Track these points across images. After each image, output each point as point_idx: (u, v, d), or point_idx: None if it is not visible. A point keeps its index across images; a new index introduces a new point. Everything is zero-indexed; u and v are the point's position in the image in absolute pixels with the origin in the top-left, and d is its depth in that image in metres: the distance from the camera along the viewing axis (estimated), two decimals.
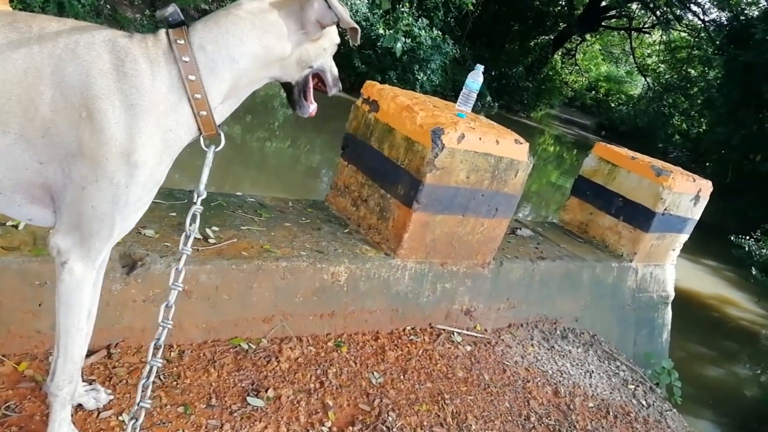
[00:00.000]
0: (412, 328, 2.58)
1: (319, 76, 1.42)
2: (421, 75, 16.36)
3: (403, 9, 15.46)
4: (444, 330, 2.66)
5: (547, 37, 25.41)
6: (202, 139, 1.27)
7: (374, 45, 15.02)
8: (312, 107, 1.44)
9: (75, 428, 1.43)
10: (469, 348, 2.62)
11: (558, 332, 3.13)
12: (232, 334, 2.06)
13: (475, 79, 2.73)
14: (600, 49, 32.61)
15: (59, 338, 1.30)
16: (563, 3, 24.94)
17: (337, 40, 1.41)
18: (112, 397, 1.62)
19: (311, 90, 1.42)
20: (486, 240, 2.72)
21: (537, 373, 2.63)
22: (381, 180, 2.58)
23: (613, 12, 25.00)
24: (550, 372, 2.69)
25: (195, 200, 1.33)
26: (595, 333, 3.31)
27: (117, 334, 1.82)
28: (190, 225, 1.35)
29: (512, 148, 2.57)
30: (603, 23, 26.02)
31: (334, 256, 2.31)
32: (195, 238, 1.97)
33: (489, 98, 20.70)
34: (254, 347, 2.06)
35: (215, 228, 2.18)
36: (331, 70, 1.45)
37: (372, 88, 2.71)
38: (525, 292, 3.03)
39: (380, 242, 2.53)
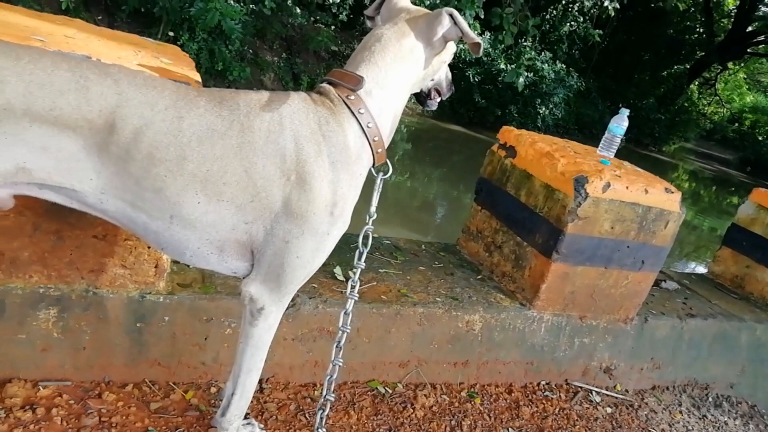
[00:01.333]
0: (547, 383, 2.46)
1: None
2: (543, 109, 15.98)
3: (525, 43, 15.29)
4: (581, 388, 2.51)
5: (681, 67, 23.73)
6: (373, 169, 1.41)
7: (495, 80, 14.99)
8: (437, 101, 1.58)
9: None
10: (609, 410, 2.44)
11: (710, 399, 2.81)
12: (370, 376, 2.11)
13: (620, 123, 2.61)
14: (745, 78, 29.74)
15: (239, 376, 1.41)
16: (701, 30, 23.25)
17: (454, 49, 1.50)
18: None
19: (439, 92, 1.56)
20: (630, 294, 2.54)
21: None
22: (517, 227, 2.53)
23: (761, 37, 22.79)
24: None
25: (367, 221, 1.43)
26: (755, 403, 2.93)
27: (268, 370, 1.93)
28: (363, 244, 1.48)
29: (662, 197, 2.40)
30: (749, 50, 23.79)
31: (469, 304, 2.28)
32: (338, 280, 2.08)
33: None
34: (390, 391, 2.09)
35: (353, 271, 2.26)
36: (447, 76, 1.56)
37: (509, 133, 2.69)
38: (672, 352, 2.77)
39: (515, 291, 2.47)
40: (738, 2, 21.96)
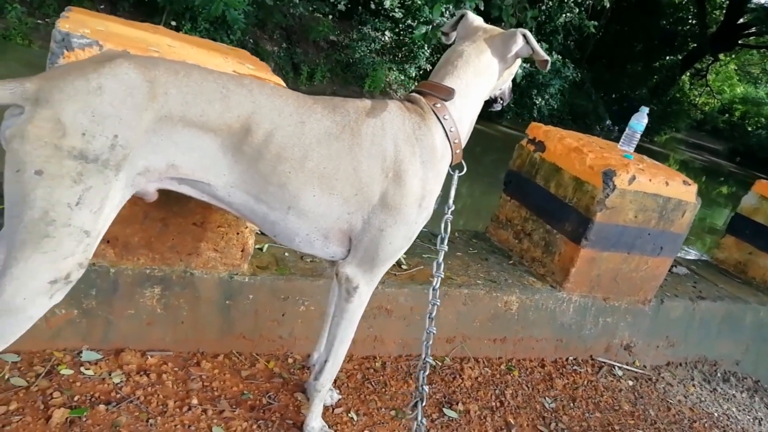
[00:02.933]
0: (575, 359, 2.70)
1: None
2: (539, 100, 16.21)
3: None
4: (605, 363, 2.75)
5: (674, 58, 24.05)
6: (450, 168, 1.61)
7: None
8: (499, 106, 1.82)
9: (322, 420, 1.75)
10: (630, 383, 2.69)
11: (719, 375, 3.07)
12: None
13: (640, 120, 2.83)
14: (736, 69, 30.16)
15: (333, 346, 1.62)
16: (694, 21, 23.54)
17: (519, 62, 1.71)
18: (340, 397, 1.94)
19: (502, 101, 1.79)
20: (649, 278, 2.78)
21: (702, 415, 2.63)
22: (546, 216, 2.75)
23: (752, 29, 23.13)
24: (716, 414, 2.67)
25: (446, 211, 1.64)
26: (758, 379, 3.20)
27: None
28: (444, 231, 1.67)
29: (681, 189, 2.63)
30: (740, 41, 24.14)
31: (506, 286, 2.51)
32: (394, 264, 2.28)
33: (609, 122, 19.98)
34: (440, 364, 2.31)
35: (404, 256, 2.47)
36: (509, 85, 1.78)
37: (538, 129, 2.90)
38: (684, 331, 3.03)
39: (545, 275, 2.69)
40: None
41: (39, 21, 10.45)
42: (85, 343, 1.76)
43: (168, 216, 1.74)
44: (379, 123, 1.44)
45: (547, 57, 1.55)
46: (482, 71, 1.57)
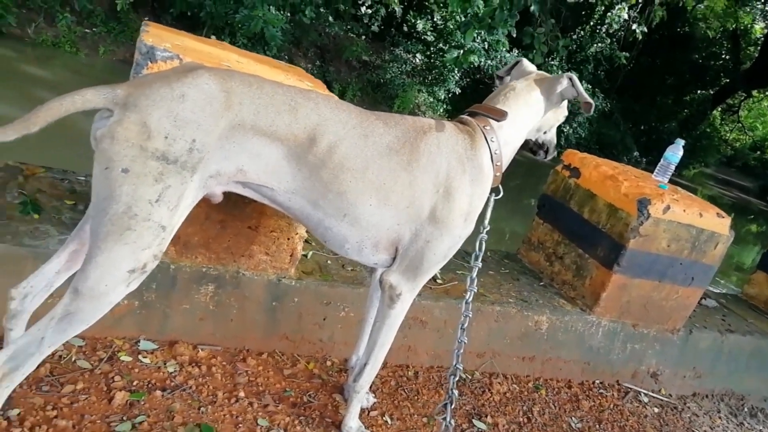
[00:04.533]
0: (601, 383, 2.73)
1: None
2: (567, 128, 16.22)
3: (553, 62, 15.57)
4: (631, 389, 2.78)
5: (705, 92, 23.87)
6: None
7: None
8: (550, 156, 1.91)
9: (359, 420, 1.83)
10: (656, 410, 2.71)
11: (746, 409, 3.07)
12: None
13: (675, 152, 2.89)
14: None
15: (374, 350, 1.70)
16: (727, 57, 23.39)
17: (566, 113, 1.82)
18: (376, 400, 2.02)
19: (547, 149, 1.88)
20: (679, 307, 2.81)
21: None
22: (579, 240, 2.81)
23: None
24: None
25: (482, 231, 1.72)
26: None
27: None
28: (479, 249, 1.75)
29: (714, 221, 2.68)
30: None
31: (537, 306, 2.57)
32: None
33: (636, 153, 19.86)
34: (470, 377, 2.37)
35: (439, 271, 2.55)
36: (554, 139, 1.87)
37: (573, 156, 2.98)
38: (712, 363, 3.04)
39: (575, 297, 2.75)
40: (767, 30, 22.10)
41: (86, 30, 10.91)
42: (143, 332, 1.87)
43: (226, 219, 1.86)
44: (436, 141, 1.54)
45: (590, 100, 1.65)
46: (530, 105, 1.68)
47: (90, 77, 9.90)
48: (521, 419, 2.25)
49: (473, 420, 2.12)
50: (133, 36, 11.31)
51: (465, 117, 1.67)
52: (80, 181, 2.14)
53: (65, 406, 1.53)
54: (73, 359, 1.69)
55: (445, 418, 1.71)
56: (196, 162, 1.28)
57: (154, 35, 1.67)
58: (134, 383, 1.68)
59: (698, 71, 22.88)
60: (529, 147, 1.90)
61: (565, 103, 1.78)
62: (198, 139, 1.26)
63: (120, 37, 11.24)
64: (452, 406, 1.72)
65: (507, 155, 1.68)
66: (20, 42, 9.76)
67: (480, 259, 1.78)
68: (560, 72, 15.61)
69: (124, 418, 1.55)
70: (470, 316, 1.76)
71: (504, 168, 1.69)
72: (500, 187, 1.70)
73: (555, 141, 1.89)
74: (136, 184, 1.19)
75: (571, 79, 1.65)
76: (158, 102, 1.21)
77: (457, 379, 1.74)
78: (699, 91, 23.80)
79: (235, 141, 1.35)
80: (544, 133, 1.82)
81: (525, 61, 1.79)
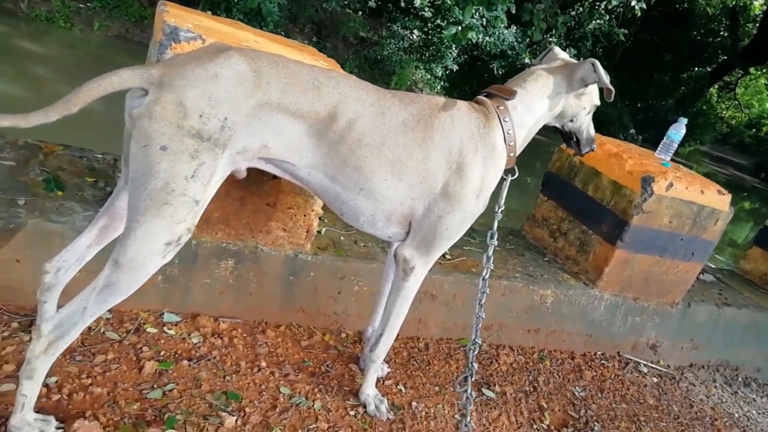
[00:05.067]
0: (602, 354, 2.83)
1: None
2: None
3: (551, 39, 15.46)
4: (631, 360, 2.88)
5: (703, 69, 23.81)
6: (503, 172, 1.72)
7: (518, 73, 15.20)
8: (586, 150, 1.90)
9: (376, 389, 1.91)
10: (655, 380, 2.82)
11: (740, 379, 3.18)
12: (461, 335, 2.48)
13: (678, 130, 2.94)
14: (766, 84, 29.76)
15: (389, 321, 1.77)
16: (725, 34, 23.27)
17: (597, 102, 1.82)
18: (390, 370, 2.10)
19: (579, 140, 1.88)
20: (678, 281, 2.90)
21: (723, 414, 2.75)
22: (583, 217, 2.88)
23: None
24: (737, 415, 2.79)
25: (497, 210, 1.77)
26: None
27: None
28: (495, 228, 1.80)
29: (715, 198, 2.75)
30: None
31: (542, 281, 2.65)
32: None
33: (633, 130, 19.89)
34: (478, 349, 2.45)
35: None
36: (588, 129, 1.87)
37: None
38: (709, 335, 3.14)
39: (578, 272, 2.83)
40: (765, 7, 21.98)
41: (80, 5, 10.74)
42: (166, 306, 1.94)
43: (246, 195, 1.91)
44: (449, 119, 1.59)
45: (611, 87, 1.67)
46: (548, 88, 1.70)
47: (85, 52, 9.79)
48: (527, 388, 2.34)
49: (482, 389, 2.21)
50: (128, 11, 11.16)
51: (481, 97, 1.71)
52: (98, 159, 2.18)
53: (98, 374, 1.59)
54: (102, 331, 1.75)
55: (465, 390, 1.78)
56: (227, 139, 1.33)
57: (176, 15, 1.69)
58: (161, 353, 1.75)
59: (696, 48, 22.78)
60: (563, 138, 1.91)
61: (593, 91, 1.77)
62: (229, 117, 1.31)
63: (115, 12, 11.08)
64: (472, 379, 1.80)
65: (521, 136, 1.71)
66: (13, 17, 9.61)
67: (495, 238, 1.83)
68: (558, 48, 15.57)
69: (155, 386, 1.62)
70: (487, 292, 1.82)
71: (519, 150, 1.73)
72: (515, 168, 1.72)
73: (589, 134, 1.86)
74: (174, 161, 1.24)
75: (593, 64, 1.65)
76: (193, 82, 1.25)
77: (476, 352, 1.81)
78: (696, 69, 23.73)
79: (261, 118, 1.40)
80: (571, 121, 1.81)
81: (556, 49, 1.80)
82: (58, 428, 1.37)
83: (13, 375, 1.49)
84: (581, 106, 1.79)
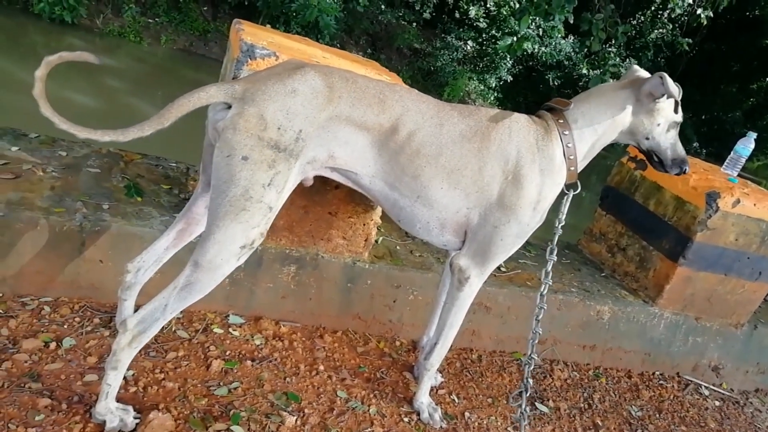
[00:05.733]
0: (661, 374, 2.75)
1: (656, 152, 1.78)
2: None
3: (611, 49, 15.10)
4: (692, 381, 2.78)
5: None
6: (564, 186, 1.71)
7: (575, 84, 14.91)
8: (674, 171, 1.80)
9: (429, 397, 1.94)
10: (717, 403, 2.71)
11: None
12: (515, 348, 2.47)
13: (746, 145, 2.84)
14: None
15: (443, 330, 1.81)
16: None
17: (676, 119, 1.73)
18: (443, 380, 2.12)
19: (661, 160, 1.79)
20: (744, 301, 2.79)
21: None
22: (643, 232, 2.82)
23: None
24: None
25: (557, 225, 1.76)
26: None
27: None
28: (555, 242, 1.79)
29: None
30: None
31: (599, 297, 2.61)
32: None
33: (696, 143, 19.10)
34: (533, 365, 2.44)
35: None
36: (673, 148, 1.77)
37: None
38: None
39: (637, 289, 2.77)
40: None
41: (150, 20, 11.37)
42: (231, 308, 2.04)
43: (309, 204, 2.00)
44: (507, 131, 1.62)
45: (677, 97, 1.63)
46: (614, 103, 1.67)
47: (153, 65, 10.35)
48: (582, 405, 2.31)
49: (536, 403, 2.20)
50: (193, 25, 11.71)
51: (542, 111, 1.73)
52: (172, 167, 2.32)
53: (170, 370, 1.70)
54: (173, 329, 1.87)
55: (520, 405, 1.79)
56: (300, 150, 1.41)
57: (251, 34, 1.80)
58: (227, 353, 1.85)
59: (766, 58, 21.66)
60: (647, 159, 1.82)
61: (666, 106, 1.68)
62: (303, 129, 1.39)
63: (180, 27, 11.65)
64: (527, 394, 1.80)
65: (582, 151, 1.69)
66: (89, 32, 10.28)
67: (555, 253, 1.83)
68: (618, 59, 14.96)
69: (221, 384, 1.71)
70: (545, 308, 1.83)
71: (581, 165, 1.71)
72: (578, 182, 1.69)
73: (676, 153, 1.76)
74: (253, 170, 1.33)
75: (662, 76, 1.60)
76: (273, 96, 1.34)
77: (532, 368, 1.81)
78: (767, 79, 22.56)
79: (330, 130, 1.47)
80: (647, 139, 1.72)
81: (635, 67, 1.75)
82: (135, 418, 1.47)
83: (96, 367, 1.61)
84: (654, 122, 1.70)
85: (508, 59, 14.56)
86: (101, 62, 1.34)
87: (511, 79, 14.95)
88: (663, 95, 1.64)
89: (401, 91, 1.57)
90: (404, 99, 1.55)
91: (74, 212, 1.81)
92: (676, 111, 1.72)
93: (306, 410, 1.72)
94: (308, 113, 1.40)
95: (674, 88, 1.62)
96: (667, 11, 16.61)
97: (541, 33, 13.65)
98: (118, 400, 1.48)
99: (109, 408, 1.41)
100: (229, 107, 1.35)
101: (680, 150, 1.78)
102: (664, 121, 1.72)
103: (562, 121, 1.68)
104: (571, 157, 1.67)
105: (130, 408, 1.47)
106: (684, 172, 1.80)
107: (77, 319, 1.76)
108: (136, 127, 1.27)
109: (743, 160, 2.85)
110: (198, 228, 1.62)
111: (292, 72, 1.41)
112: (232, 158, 1.33)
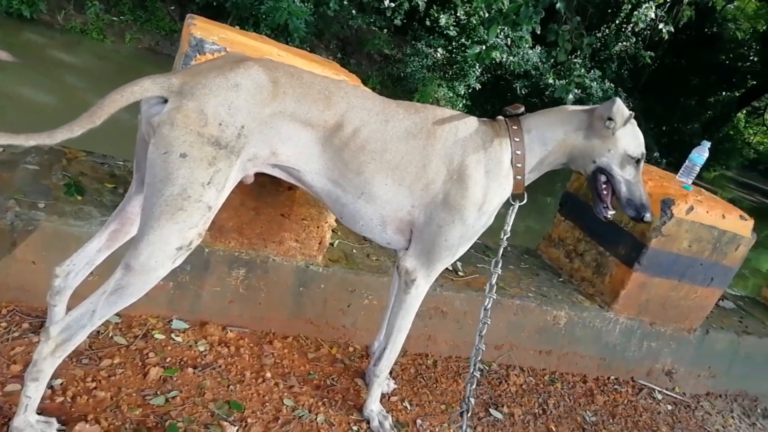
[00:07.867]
0: (616, 379, 2.77)
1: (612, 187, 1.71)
2: None
3: (576, 60, 15.40)
4: (645, 386, 2.81)
5: (731, 94, 23.46)
6: (510, 197, 1.69)
7: (541, 93, 15.15)
8: (609, 212, 1.75)
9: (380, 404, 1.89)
10: (669, 407, 2.74)
11: (759, 410, 3.08)
12: (471, 353, 2.44)
13: (700, 153, 2.89)
14: None
15: (392, 335, 1.76)
16: (755, 58, 22.93)
17: (632, 153, 1.63)
18: (396, 386, 2.08)
19: (605, 193, 1.72)
20: (696, 307, 2.83)
21: None
22: (600, 238, 2.83)
23: None
24: None
25: (502, 237, 1.75)
26: None
27: None
28: (501, 255, 1.77)
29: (737, 223, 2.69)
30: None
31: (556, 302, 2.61)
32: (453, 271, 2.41)
33: (656, 154, 19.64)
34: (487, 368, 2.42)
35: (460, 263, 2.60)
36: (629, 186, 1.68)
37: None
38: (728, 364, 3.05)
39: (594, 294, 2.78)
40: None
41: (114, 18, 11.07)
42: (175, 312, 1.95)
43: (260, 205, 1.93)
44: (454, 129, 1.59)
45: (615, 119, 1.58)
46: (567, 121, 1.65)
47: (116, 63, 10.07)
48: (536, 410, 2.29)
49: (490, 409, 2.17)
50: (159, 24, 11.47)
51: (498, 117, 1.71)
52: (119, 166, 2.22)
53: (103, 378, 1.61)
54: (110, 335, 1.77)
55: (461, 426, 1.76)
56: (242, 147, 1.35)
57: (202, 29, 1.73)
58: (167, 360, 1.76)
59: (725, 72, 22.46)
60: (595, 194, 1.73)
61: (622, 136, 1.61)
62: (246, 125, 1.33)
63: (146, 25, 11.38)
64: (468, 414, 1.78)
65: (530, 162, 1.66)
66: (50, 28, 9.94)
67: (499, 266, 1.79)
68: (583, 70, 15.24)
69: (158, 393, 1.63)
70: (488, 323, 1.80)
71: (529, 177, 1.67)
72: (525, 194, 1.66)
73: (631, 194, 1.67)
74: (192, 168, 1.26)
75: (614, 101, 1.58)
76: (215, 91, 1.28)
77: (474, 387, 1.79)
78: (724, 93, 23.39)
79: (274, 127, 1.42)
80: (593, 162, 1.65)
81: (618, 101, 1.61)
82: (59, 431, 1.38)
83: (20, 375, 1.51)
84: (605, 147, 1.62)
85: (477, 67, 14.69)
86: (16, 60, 1.25)
87: (480, 87, 15.07)
88: (607, 115, 1.59)
89: (346, 88, 1.53)
90: (349, 95, 1.51)
91: (5, 210, 1.70)
92: (636, 151, 1.65)
93: (249, 420, 1.65)
94: (251, 109, 1.34)
95: (619, 112, 1.58)
96: (631, 25, 17.06)
97: (509, 42, 13.83)
98: (43, 411, 1.39)
99: (28, 422, 1.31)
100: (165, 101, 1.28)
101: (639, 193, 1.69)
102: (616, 150, 1.63)
103: (515, 127, 1.66)
104: (519, 165, 1.64)
105: (54, 420, 1.38)
106: (641, 220, 1.71)
107: (3, 324, 1.65)
108: (65, 128, 1.19)
109: (698, 168, 2.89)
110: (133, 228, 1.53)
111: (234, 65, 1.36)
112: (169, 155, 1.26)
